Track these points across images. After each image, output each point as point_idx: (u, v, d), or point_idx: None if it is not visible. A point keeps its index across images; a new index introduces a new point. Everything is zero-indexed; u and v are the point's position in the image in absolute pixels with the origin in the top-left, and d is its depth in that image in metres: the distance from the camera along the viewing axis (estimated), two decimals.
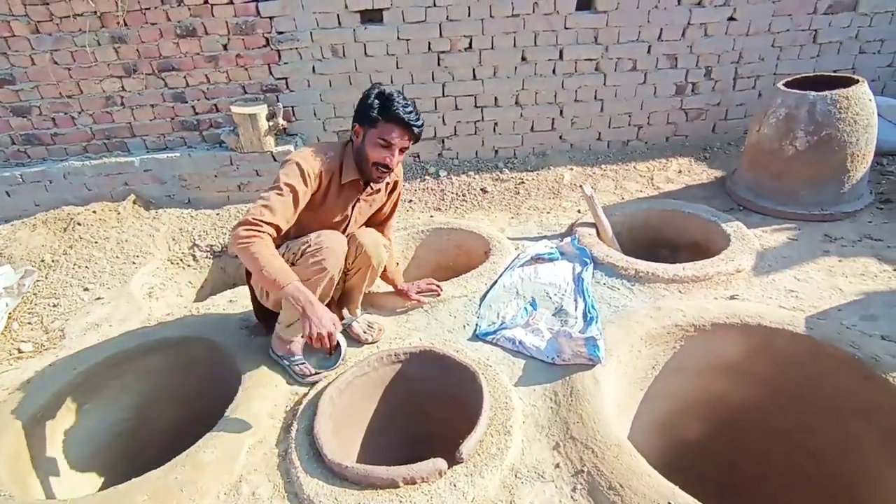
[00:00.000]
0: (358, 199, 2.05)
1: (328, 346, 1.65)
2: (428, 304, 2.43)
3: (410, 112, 1.82)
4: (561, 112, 3.74)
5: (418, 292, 2.43)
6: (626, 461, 1.57)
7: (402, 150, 1.89)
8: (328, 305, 2.08)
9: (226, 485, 1.67)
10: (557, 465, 1.64)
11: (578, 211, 3.30)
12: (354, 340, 2.23)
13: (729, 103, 3.81)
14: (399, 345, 2.14)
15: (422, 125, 1.88)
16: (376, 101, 1.81)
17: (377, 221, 2.24)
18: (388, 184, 2.15)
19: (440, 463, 1.59)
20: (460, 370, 1.96)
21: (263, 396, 1.98)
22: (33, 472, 1.95)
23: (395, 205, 2.27)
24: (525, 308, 2.32)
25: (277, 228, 1.77)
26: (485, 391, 1.81)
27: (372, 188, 2.07)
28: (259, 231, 1.70)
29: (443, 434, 2.11)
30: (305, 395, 1.96)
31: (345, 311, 2.26)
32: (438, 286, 2.46)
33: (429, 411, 2.12)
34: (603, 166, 3.73)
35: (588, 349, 1.93)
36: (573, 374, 1.94)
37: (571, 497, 1.55)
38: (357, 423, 2.02)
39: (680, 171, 3.62)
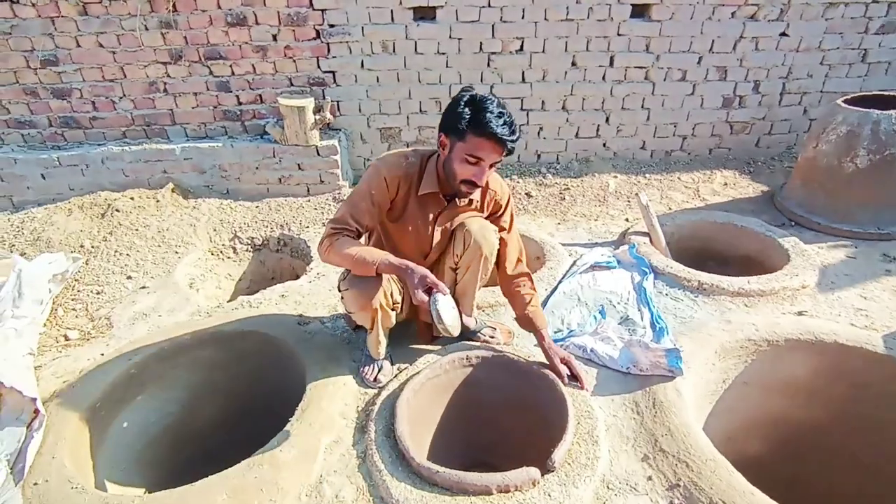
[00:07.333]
0: (440, 214, 1.86)
1: (437, 285, 1.60)
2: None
3: (504, 125, 1.57)
4: (607, 119, 3.71)
5: (570, 377, 1.91)
6: (724, 477, 1.53)
7: (492, 165, 1.67)
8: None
9: (306, 486, 1.62)
10: (650, 478, 1.60)
11: (626, 219, 3.27)
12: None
13: (774, 118, 3.80)
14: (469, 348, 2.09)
15: (517, 139, 1.62)
16: (467, 111, 1.58)
17: None
18: (487, 203, 1.91)
19: (533, 472, 1.54)
20: (536, 377, 1.91)
21: (332, 395, 1.92)
22: (92, 465, 1.89)
23: (506, 229, 1.95)
24: (594, 316, 2.28)
25: (358, 225, 1.74)
26: (568, 399, 1.77)
27: (458, 203, 1.86)
28: (336, 232, 1.71)
29: (505, 441, 2.08)
30: (377, 395, 1.91)
31: (468, 322, 2.13)
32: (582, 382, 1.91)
33: (493, 417, 2.07)
34: (647, 175, 3.70)
35: (669, 361, 1.90)
36: (652, 385, 1.90)
37: None
38: (426, 426, 1.97)
39: (725, 184, 3.60)
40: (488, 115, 1.55)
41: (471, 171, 1.64)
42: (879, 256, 2.69)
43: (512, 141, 1.60)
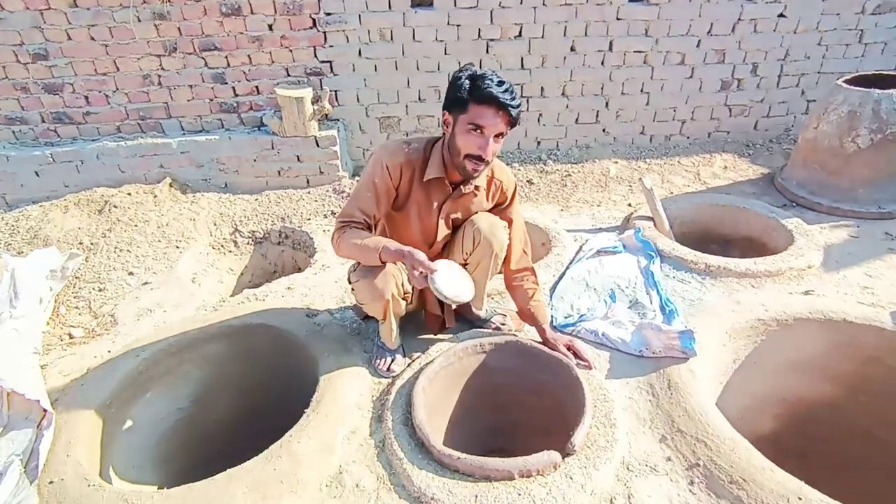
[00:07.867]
0: (445, 202, 1.83)
1: (426, 268, 1.59)
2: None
3: (505, 91, 1.56)
4: (606, 104, 3.70)
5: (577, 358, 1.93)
6: (744, 455, 1.54)
7: (497, 137, 1.63)
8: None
9: (326, 476, 1.61)
10: (669, 459, 1.61)
11: (629, 204, 3.27)
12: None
13: (772, 100, 3.80)
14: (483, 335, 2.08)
15: (518, 106, 1.59)
16: (466, 82, 1.58)
17: None
18: (493, 193, 1.89)
19: (555, 455, 1.54)
20: (551, 361, 1.91)
21: (346, 386, 1.91)
22: (106, 462, 1.87)
23: (512, 220, 1.94)
24: (604, 301, 2.28)
25: (365, 215, 1.74)
26: (584, 382, 1.77)
27: (462, 191, 1.82)
28: (344, 225, 1.73)
29: (521, 427, 2.08)
30: (391, 384, 1.90)
31: (479, 312, 2.14)
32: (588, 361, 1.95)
33: (508, 403, 2.07)
34: (647, 160, 3.70)
35: (682, 343, 1.90)
36: (666, 367, 1.90)
37: (689, 491, 1.52)
38: (442, 413, 1.96)
39: (725, 167, 3.61)
40: (488, 81, 1.56)
41: (475, 143, 1.61)
42: (882, 235, 2.72)
43: (513, 106, 1.57)
